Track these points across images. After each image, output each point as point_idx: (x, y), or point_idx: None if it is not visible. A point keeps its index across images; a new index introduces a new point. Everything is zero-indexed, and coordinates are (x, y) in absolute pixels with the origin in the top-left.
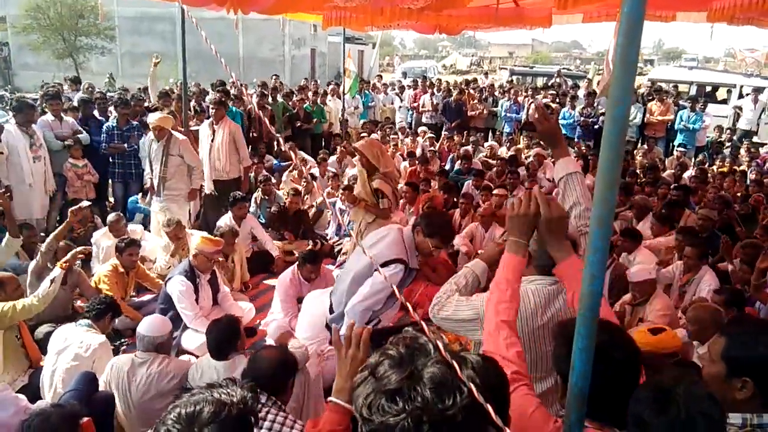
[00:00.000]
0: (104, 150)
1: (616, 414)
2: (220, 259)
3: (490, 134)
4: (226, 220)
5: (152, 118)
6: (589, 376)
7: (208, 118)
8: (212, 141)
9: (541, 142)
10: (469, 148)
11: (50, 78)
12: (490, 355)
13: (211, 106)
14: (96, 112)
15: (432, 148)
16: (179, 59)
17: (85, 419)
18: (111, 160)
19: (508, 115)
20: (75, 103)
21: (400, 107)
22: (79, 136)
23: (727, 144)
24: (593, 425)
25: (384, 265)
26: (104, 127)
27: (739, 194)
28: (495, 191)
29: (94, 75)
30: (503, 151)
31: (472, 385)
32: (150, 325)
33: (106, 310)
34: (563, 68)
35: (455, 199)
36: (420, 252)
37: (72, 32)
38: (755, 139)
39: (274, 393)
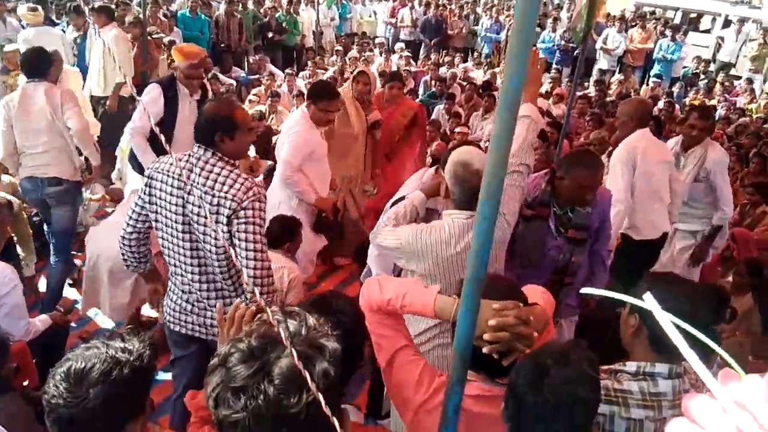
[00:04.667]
0: None
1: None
2: None
3: (469, 55)
4: None
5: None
6: (472, 340)
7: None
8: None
9: None
10: (444, 69)
11: None
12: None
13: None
14: (53, 16)
15: (408, 68)
16: None
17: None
18: None
19: (488, 34)
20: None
21: (384, 22)
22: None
23: (703, 76)
24: (475, 377)
25: None
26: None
27: None
28: (457, 129)
29: None
30: (479, 75)
31: (314, 389)
32: None
33: None
34: None
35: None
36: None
37: None
38: (732, 71)
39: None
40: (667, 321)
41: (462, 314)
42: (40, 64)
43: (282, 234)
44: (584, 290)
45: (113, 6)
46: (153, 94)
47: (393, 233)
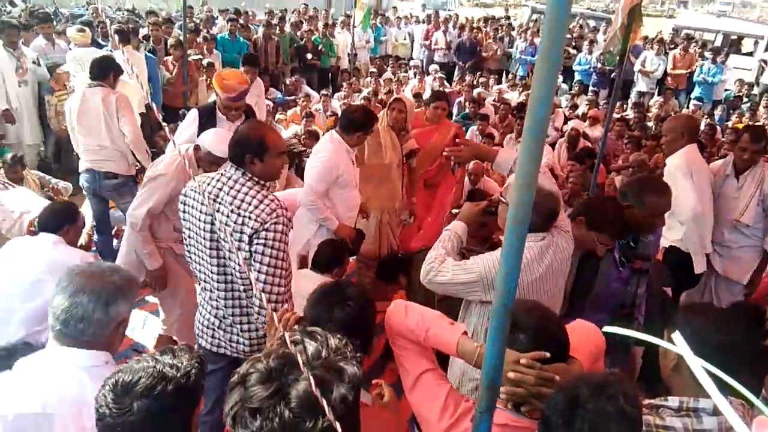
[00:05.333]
0: None
1: None
2: None
3: (503, 76)
4: None
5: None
6: (501, 370)
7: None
8: None
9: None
10: (480, 90)
11: None
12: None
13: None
14: (99, 38)
15: (441, 89)
16: None
17: None
18: None
19: (523, 57)
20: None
21: (419, 44)
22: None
23: (746, 99)
24: (503, 404)
25: None
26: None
27: None
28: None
29: None
30: (514, 96)
31: (331, 417)
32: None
33: None
34: (589, 8)
35: None
36: (581, 246)
37: None
38: None
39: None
40: (698, 366)
41: (490, 343)
42: (106, 68)
43: (331, 259)
44: (607, 329)
45: (132, 27)
46: (189, 119)
47: (462, 267)
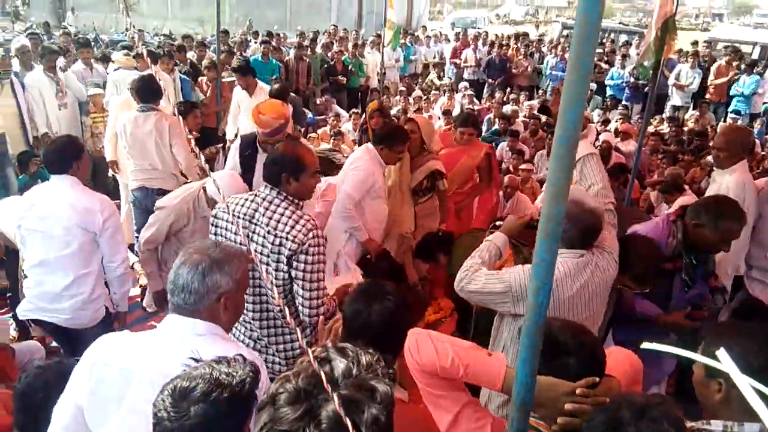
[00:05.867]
0: None
1: None
2: None
3: (534, 93)
4: None
5: None
6: (533, 389)
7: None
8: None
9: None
10: (511, 106)
11: (101, 19)
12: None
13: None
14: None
15: (470, 107)
16: (227, 3)
17: None
18: None
19: (554, 72)
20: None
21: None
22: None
23: None
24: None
25: None
26: None
27: None
28: (523, 166)
29: (144, 17)
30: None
31: None
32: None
33: None
34: (621, 22)
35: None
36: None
37: None
38: None
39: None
40: (746, 385)
41: (521, 361)
42: (157, 91)
43: (389, 278)
44: (645, 345)
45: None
46: (233, 149)
47: (495, 276)
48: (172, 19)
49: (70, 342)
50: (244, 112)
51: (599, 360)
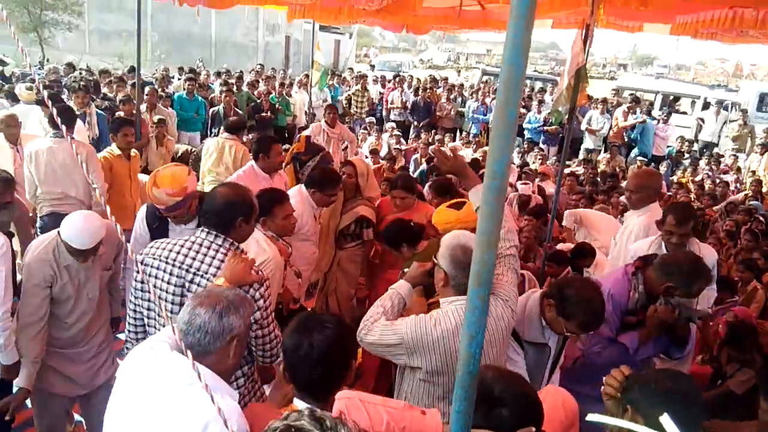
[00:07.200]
0: None
1: None
2: None
3: (457, 134)
4: None
5: None
6: None
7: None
8: None
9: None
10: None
11: (12, 52)
12: None
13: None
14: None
15: (398, 146)
16: (149, 39)
17: None
18: None
19: (475, 116)
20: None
21: (378, 100)
22: None
23: (687, 155)
24: None
25: None
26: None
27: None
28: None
29: (61, 51)
30: (468, 153)
31: None
32: None
33: None
34: (536, 70)
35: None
36: (553, 329)
37: (37, 5)
38: (716, 150)
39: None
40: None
41: (455, 413)
42: (67, 119)
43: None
44: (591, 417)
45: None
46: (137, 222)
47: (389, 328)
48: (89, 54)
49: None
50: None
51: (535, 410)
